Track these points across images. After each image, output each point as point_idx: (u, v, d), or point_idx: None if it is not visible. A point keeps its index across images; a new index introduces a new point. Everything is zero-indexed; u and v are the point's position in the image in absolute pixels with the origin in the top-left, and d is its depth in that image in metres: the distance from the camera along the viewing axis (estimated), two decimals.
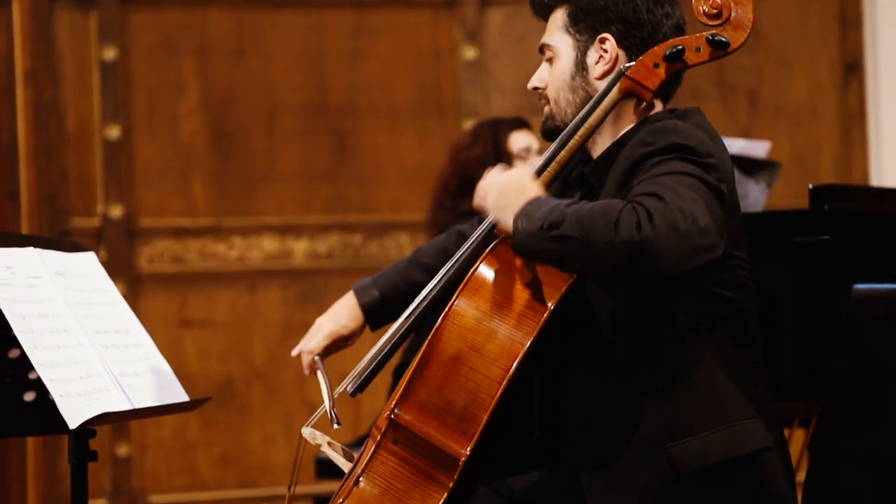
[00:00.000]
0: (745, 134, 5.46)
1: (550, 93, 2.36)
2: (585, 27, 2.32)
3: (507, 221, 2.15)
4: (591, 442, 2.23)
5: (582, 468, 2.24)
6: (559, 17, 2.35)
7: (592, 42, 2.31)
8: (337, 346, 2.59)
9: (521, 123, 4.24)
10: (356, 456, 2.33)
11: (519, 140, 4.16)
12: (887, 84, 5.56)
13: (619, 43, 2.29)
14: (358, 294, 2.59)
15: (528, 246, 2.10)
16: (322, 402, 2.44)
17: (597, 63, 2.31)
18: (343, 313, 2.58)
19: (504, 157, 4.12)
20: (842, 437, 2.47)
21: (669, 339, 2.21)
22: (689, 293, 2.20)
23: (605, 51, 2.30)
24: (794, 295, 3.14)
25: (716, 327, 2.23)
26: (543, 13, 2.40)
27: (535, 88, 2.39)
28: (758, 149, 4.60)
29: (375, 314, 2.59)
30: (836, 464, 2.46)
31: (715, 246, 2.05)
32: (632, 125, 2.30)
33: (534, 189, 2.16)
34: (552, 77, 2.36)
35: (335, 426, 2.33)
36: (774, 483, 2.23)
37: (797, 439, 4.13)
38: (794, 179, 5.30)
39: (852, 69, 5.56)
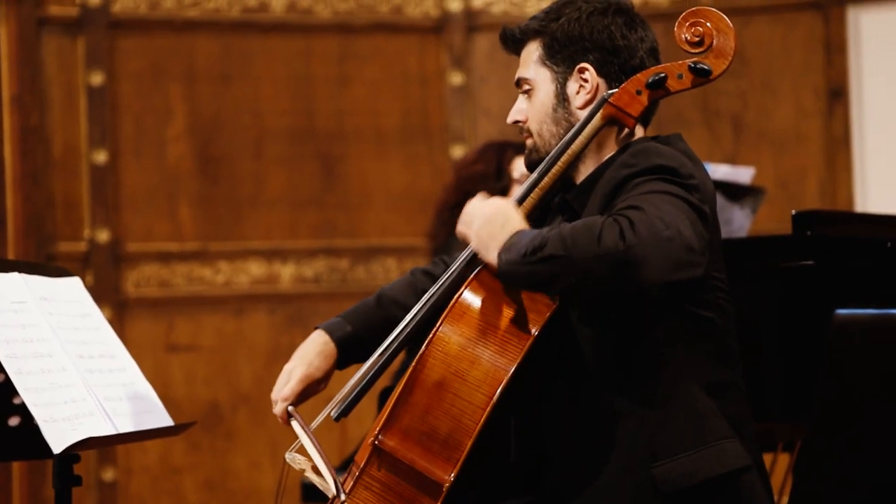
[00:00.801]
0: (730, 159, 5.48)
1: (532, 125, 2.36)
2: (562, 58, 2.33)
3: (491, 255, 2.15)
4: (574, 463, 2.24)
5: (565, 490, 2.24)
6: (533, 49, 2.36)
7: (571, 72, 2.33)
8: (310, 390, 2.49)
9: None
10: (340, 480, 2.33)
11: (521, 165, 4.19)
12: (872, 110, 5.59)
13: (599, 71, 2.31)
14: (329, 331, 2.49)
15: (513, 274, 2.11)
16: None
17: (577, 93, 2.32)
18: (312, 354, 2.48)
19: (504, 178, 4.15)
20: (825, 461, 2.47)
21: (651, 359, 2.22)
22: (670, 313, 2.21)
23: (586, 80, 2.31)
24: (778, 319, 3.15)
25: (696, 348, 2.24)
26: (515, 48, 2.41)
27: (516, 122, 2.40)
28: (742, 174, 4.62)
29: (348, 350, 2.48)
30: (819, 487, 2.47)
31: (699, 263, 2.07)
32: (613, 151, 2.32)
33: (516, 222, 2.16)
34: (532, 110, 2.36)
35: (343, 498, 2.26)
36: (754, 502, 2.24)
37: (782, 463, 4.14)
38: (779, 205, 5.32)
39: (837, 95, 5.59)
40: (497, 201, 2.22)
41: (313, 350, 2.48)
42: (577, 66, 2.32)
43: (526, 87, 2.38)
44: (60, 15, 5.37)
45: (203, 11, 5.54)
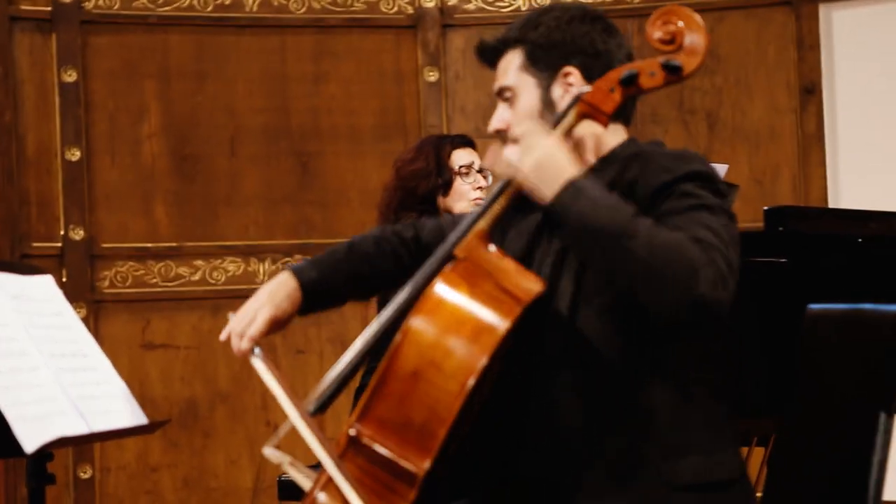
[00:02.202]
0: (705, 156, 5.49)
1: (516, 132, 2.31)
2: (545, 64, 2.33)
3: (546, 194, 2.14)
4: (581, 457, 2.23)
5: (569, 482, 2.24)
6: (514, 57, 2.35)
7: (555, 77, 2.32)
8: (272, 331, 2.43)
9: (464, 141, 4.27)
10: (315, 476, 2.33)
11: (461, 157, 4.19)
12: (844, 107, 5.62)
13: (583, 75, 2.30)
14: (296, 274, 2.45)
15: (580, 237, 2.11)
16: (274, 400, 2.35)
17: (562, 97, 2.31)
18: (280, 295, 2.42)
19: (446, 172, 4.15)
20: (799, 456, 2.49)
21: (671, 359, 2.23)
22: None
23: (571, 84, 2.31)
24: (750, 315, 3.16)
25: (706, 352, 2.26)
26: (492, 59, 2.40)
27: (498, 131, 2.37)
28: (716, 171, 4.63)
29: (311, 295, 2.45)
30: (793, 482, 2.49)
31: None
32: (600, 154, 2.32)
33: (574, 167, 2.15)
34: (516, 117, 2.34)
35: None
36: None
37: (756, 457, 4.16)
38: (753, 201, 5.35)
39: (810, 92, 5.62)
40: (549, 143, 2.18)
41: (282, 292, 2.43)
42: (562, 71, 2.32)
43: (507, 94, 2.36)
44: (33, 12, 5.35)
45: (177, 9, 5.53)
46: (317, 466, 2.39)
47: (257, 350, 2.38)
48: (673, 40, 2.25)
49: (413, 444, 2.14)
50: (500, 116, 2.37)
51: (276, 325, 2.43)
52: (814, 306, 2.51)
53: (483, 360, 2.13)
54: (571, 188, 2.12)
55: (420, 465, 2.13)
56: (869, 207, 4.18)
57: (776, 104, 5.67)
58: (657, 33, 2.26)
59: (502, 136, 2.38)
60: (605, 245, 2.08)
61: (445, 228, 2.49)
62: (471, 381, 2.13)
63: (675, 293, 2.03)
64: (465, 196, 4.16)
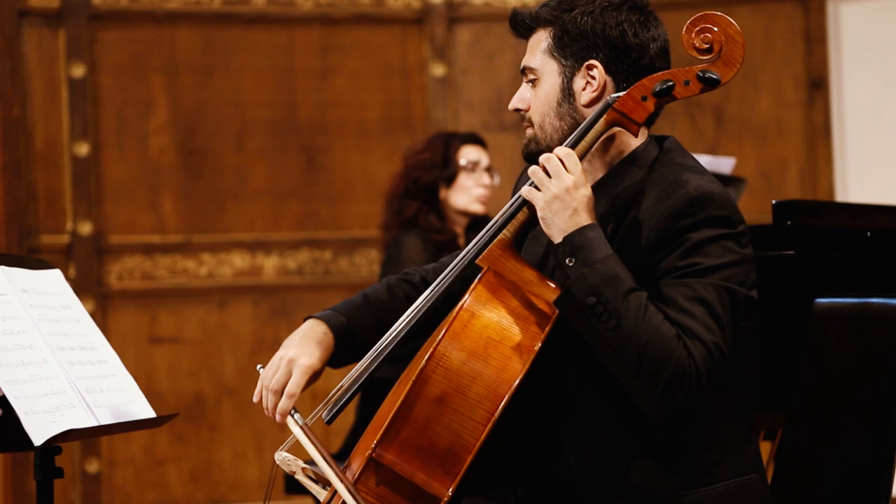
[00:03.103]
0: (712, 150, 5.49)
1: (535, 117, 2.30)
2: (571, 52, 2.26)
3: (553, 234, 2.14)
4: (604, 487, 2.20)
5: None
6: (542, 39, 2.29)
7: (579, 68, 2.26)
8: (310, 384, 2.31)
9: (474, 139, 4.29)
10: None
11: (468, 154, 4.21)
12: (852, 100, 5.61)
13: (607, 70, 2.24)
14: (326, 321, 2.34)
15: (568, 301, 2.10)
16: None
17: (584, 90, 2.26)
18: (313, 344, 2.31)
19: (451, 166, 4.17)
20: (806, 449, 2.49)
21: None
22: None
23: (593, 77, 2.25)
24: (759, 309, 3.16)
25: (723, 379, 2.21)
26: (524, 33, 2.34)
27: (517, 110, 2.33)
28: (723, 165, 4.63)
29: (345, 343, 2.34)
30: (800, 475, 2.48)
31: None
32: (622, 156, 2.27)
33: (586, 215, 2.13)
34: (536, 101, 2.30)
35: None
36: None
37: (763, 451, 4.15)
38: (760, 195, 5.34)
39: (817, 86, 5.61)
40: (570, 180, 2.14)
41: (314, 339, 2.31)
42: (586, 63, 2.25)
43: (531, 76, 2.31)
44: (41, 7, 5.36)
45: (184, 3, 5.53)
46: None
47: (294, 412, 2.26)
48: (710, 49, 2.18)
49: (437, 470, 2.11)
50: (521, 96, 2.33)
51: (314, 377, 2.30)
52: (821, 300, 2.50)
53: (511, 388, 2.11)
54: (574, 241, 2.11)
55: (443, 492, 2.11)
56: (876, 201, 4.18)
57: (784, 98, 5.66)
58: (695, 41, 2.19)
59: (520, 117, 2.34)
60: (590, 324, 2.07)
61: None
62: (498, 410, 2.10)
63: (642, 390, 2.06)
64: (468, 192, 4.17)
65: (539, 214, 2.16)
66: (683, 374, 2.05)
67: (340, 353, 2.34)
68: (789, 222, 3.17)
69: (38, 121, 5.36)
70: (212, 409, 5.49)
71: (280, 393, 2.28)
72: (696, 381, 2.06)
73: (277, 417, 2.28)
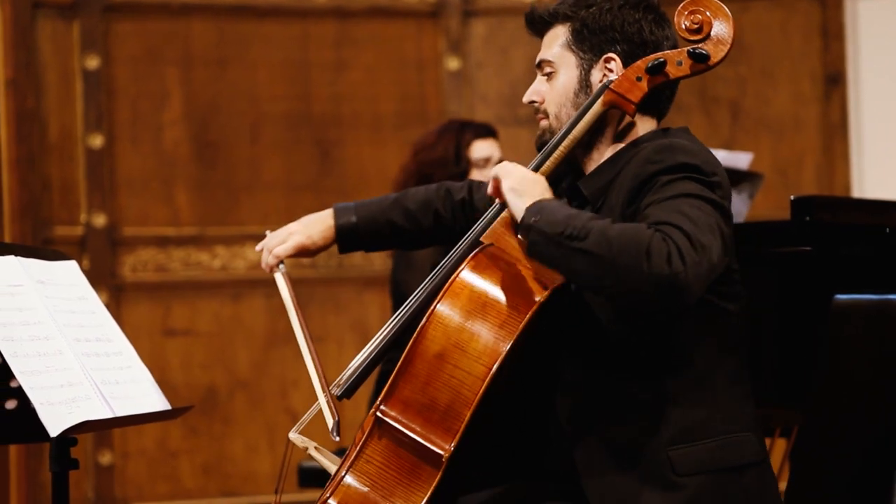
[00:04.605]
0: (728, 145, 5.48)
1: (550, 108, 2.37)
2: (590, 46, 2.34)
3: (518, 209, 2.19)
4: (592, 444, 2.25)
5: (581, 469, 2.25)
6: (560, 33, 2.37)
7: (597, 61, 2.33)
8: (300, 255, 2.69)
9: (487, 132, 4.22)
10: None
11: (481, 149, 4.16)
12: (869, 96, 5.59)
13: (624, 63, 2.31)
14: (337, 215, 2.65)
15: (540, 249, 2.13)
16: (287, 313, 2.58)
17: (600, 82, 2.32)
18: (316, 229, 2.66)
19: (463, 162, 4.13)
20: (823, 447, 2.48)
21: (678, 349, 2.24)
22: (697, 305, 2.22)
23: (611, 70, 2.32)
24: (776, 305, 3.15)
25: (719, 338, 2.27)
26: (540, 29, 2.41)
27: (532, 102, 2.40)
28: (740, 160, 4.62)
29: (346, 238, 2.66)
30: (817, 473, 2.47)
31: (719, 267, 2.12)
32: (625, 142, 2.33)
33: (546, 190, 2.22)
34: (552, 93, 2.37)
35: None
36: (766, 496, 2.26)
37: (779, 449, 4.14)
38: (776, 191, 5.32)
39: (834, 81, 5.59)
40: (529, 172, 2.26)
41: (318, 227, 2.66)
42: (604, 56, 2.33)
43: (548, 69, 2.38)
44: None
45: None
46: (340, 453, 2.41)
47: (282, 266, 2.66)
48: (700, 29, 2.27)
49: (438, 426, 2.17)
50: (536, 89, 2.39)
51: (304, 253, 2.68)
52: (841, 297, 2.49)
53: (508, 344, 2.16)
54: (536, 206, 2.16)
55: (445, 447, 2.16)
56: (893, 197, 4.16)
57: (800, 94, 5.64)
58: (685, 22, 2.27)
59: (535, 109, 2.40)
60: (564, 249, 2.09)
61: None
62: (496, 365, 2.15)
63: (631, 276, 2.03)
64: None
65: (506, 201, 2.24)
66: (661, 246, 2.03)
67: (344, 247, 2.68)
68: (807, 218, 3.16)
69: (53, 112, 5.36)
70: (224, 401, 5.49)
71: (271, 250, 2.68)
72: (679, 258, 2.03)
73: (265, 269, 2.70)
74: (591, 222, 2.09)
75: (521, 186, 2.21)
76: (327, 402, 2.39)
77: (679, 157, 2.18)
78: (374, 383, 4.01)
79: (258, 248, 2.70)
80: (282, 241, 2.66)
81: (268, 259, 2.67)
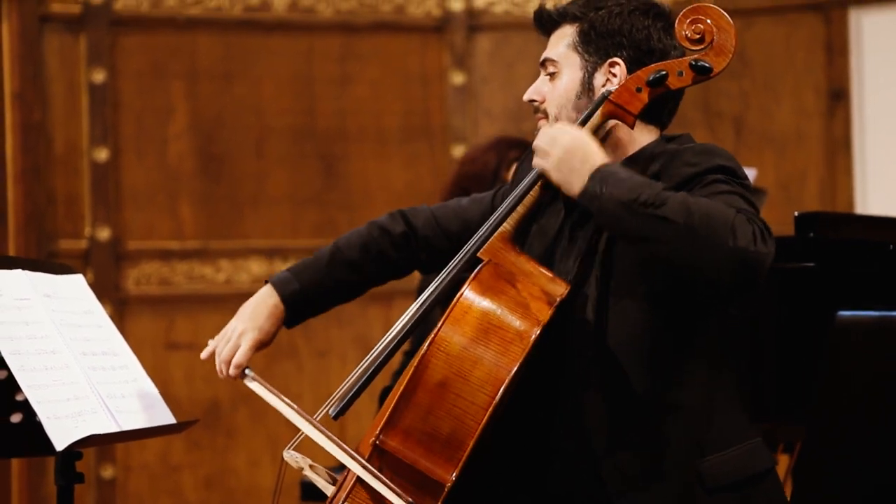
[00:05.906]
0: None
1: (550, 108, 2.34)
2: (595, 48, 2.31)
3: (574, 184, 2.14)
4: (618, 457, 2.23)
5: (609, 486, 2.23)
6: (568, 33, 2.34)
7: (601, 64, 2.30)
8: (258, 350, 2.50)
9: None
10: (339, 479, 2.33)
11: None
12: (872, 112, 5.59)
13: (629, 69, 2.28)
14: (276, 287, 2.48)
15: (614, 215, 2.09)
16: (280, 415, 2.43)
17: (603, 86, 2.29)
18: (262, 316, 2.47)
19: (497, 183, 4.11)
20: (825, 462, 2.48)
21: (699, 356, 2.24)
22: (714, 312, 2.23)
23: (614, 75, 2.29)
24: (778, 320, 3.15)
25: (731, 347, 2.27)
26: (547, 28, 2.38)
27: (532, 101, 2.37)
28: (741, 167, 4.61)
29: (295, 307, 2.48)
30: (819, 489, 2.48)
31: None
32: (625, 153, 2.31)
33: (597, 156, 2.16)
34: (554, 93, 2.34)
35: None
36: (782, 498, 2.29)
37: (781, 465, 4.14)
38: (780, 206, 5.32)
39: (838, 97, 5.59)
40: (572, 131, 2.19)
41: (264, 313, 2.48)
42: (609, 60, 2.30)
43: (551, 68, 2.35)
44: (62, 12, 5.38)
45: (205, 10, 5.55)
46: (338, 469, 2.39)
47: (248, 371, 2.44)
48: (702, 39, 2.24)
49: (440, 455, 2.14)
50: (538, 88, 2.36)
51: (261, 347, 2.47)
52: (844, 313, 2.50)
53: (511, 372, 2.13)
54: (599, 174, 2.12)
55: (446, 476, 2.13)
56: None
57: (804, 109, 5.64)
58: (686, 32, 2.24)
59: (534, 108, 2.37)
60: (641, 216, 2.06)
61: (456, 216, 2.50)
62: (499, 393, 2.12)
63: (715, 249, 2.02)
64: None
65: (554, 181, 2.19)
66: (746, 226, 2.03)
67: (293, 318, 2.49)
68: (811, 234, 3.16)
69: (58, 125, 5.37)
70: (227, 415, 5.49)
71: (229, 363, 2.45)
72: (762, 240, 2.03)
73: (226, 379, 2.47)
74: (667, 191, 2.07)
75: (567, 165, 2.15)
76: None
77: (716, 160, 2.18)
78: (378, 397, 4.01)
79: (204, 355, 2.50)
80: (234, 347, 2.44)
81: (230, 372, 2.44)
